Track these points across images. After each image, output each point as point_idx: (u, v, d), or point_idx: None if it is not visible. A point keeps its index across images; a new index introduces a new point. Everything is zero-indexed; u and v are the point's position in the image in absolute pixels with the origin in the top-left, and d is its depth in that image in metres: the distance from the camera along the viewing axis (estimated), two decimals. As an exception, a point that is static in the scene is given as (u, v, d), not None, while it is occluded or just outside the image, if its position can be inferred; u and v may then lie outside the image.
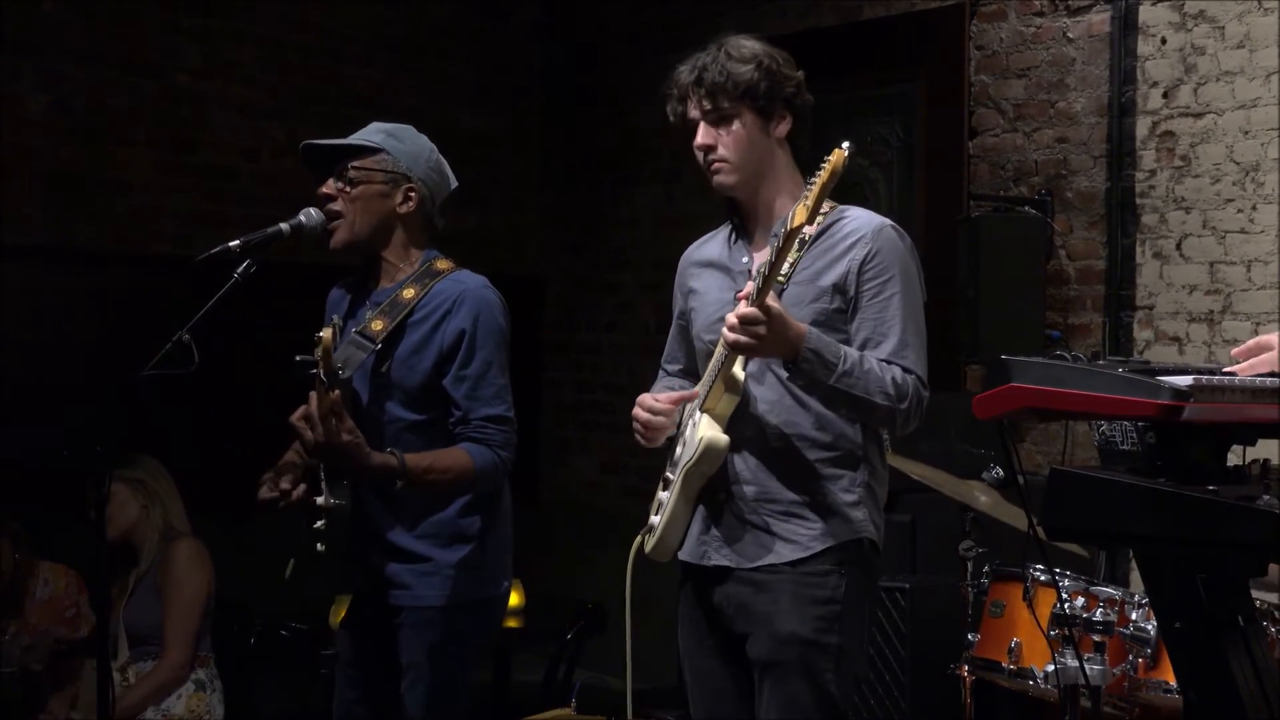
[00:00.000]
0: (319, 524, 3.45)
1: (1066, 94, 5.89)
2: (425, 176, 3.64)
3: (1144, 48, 5.64)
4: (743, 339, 3.06)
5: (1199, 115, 5.50)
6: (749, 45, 3.31)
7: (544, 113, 7.99)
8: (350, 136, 3.66)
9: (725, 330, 3.10)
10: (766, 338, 3.05)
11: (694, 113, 3.30)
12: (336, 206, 3.60)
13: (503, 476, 3.58)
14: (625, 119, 7.46)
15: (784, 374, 3.19)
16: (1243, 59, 5.38)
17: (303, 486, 3.50)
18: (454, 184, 3.73)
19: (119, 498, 4.84)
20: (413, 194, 3.62)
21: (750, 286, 3.12)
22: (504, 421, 3.55)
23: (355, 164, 3.59)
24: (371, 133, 3.65)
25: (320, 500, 3.44)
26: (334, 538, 3.47)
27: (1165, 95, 5.59)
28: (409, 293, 3.58)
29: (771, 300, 3.06)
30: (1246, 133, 5.36)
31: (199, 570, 4.97)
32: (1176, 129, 5.56)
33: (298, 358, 3.29)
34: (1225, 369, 2.71)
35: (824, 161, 2.99)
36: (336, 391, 3.33)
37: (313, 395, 3.33)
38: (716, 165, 3.31)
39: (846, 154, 2.99)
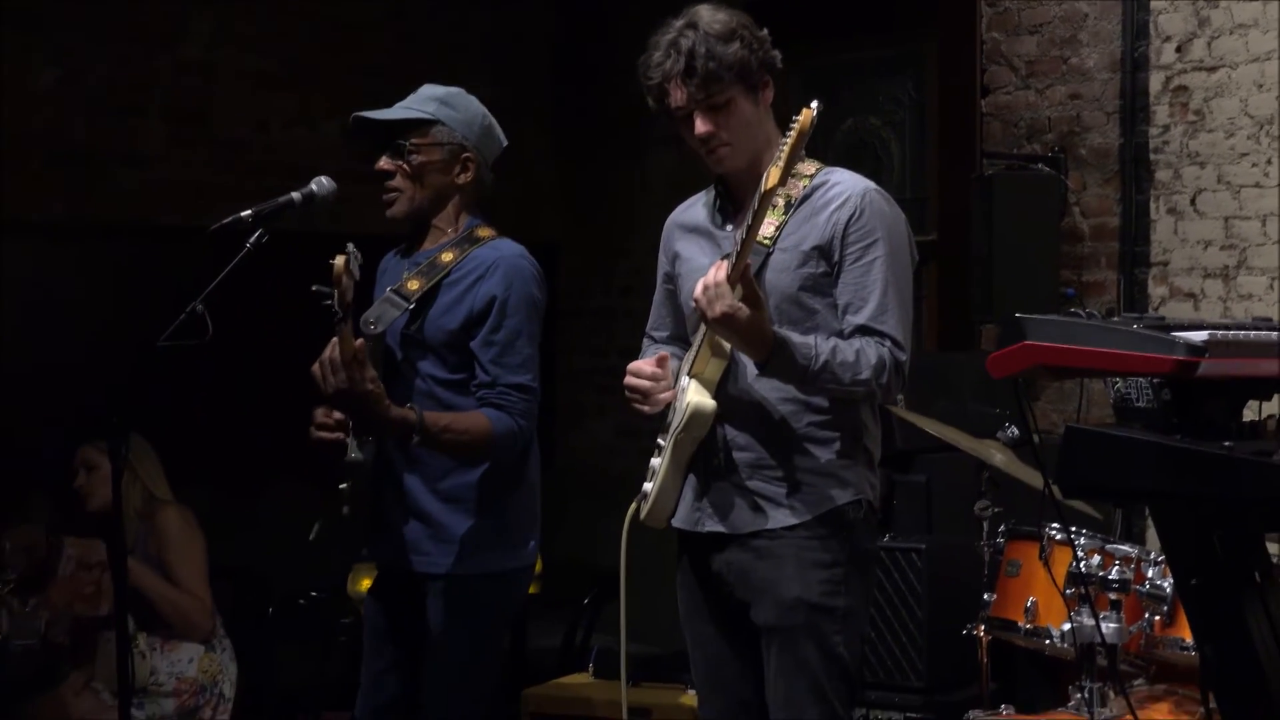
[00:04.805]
0: (343, 485, 3.46)
1: (1079, 50, 5.86)
2: (480, 144, 3.65)
3: (1157, 1, 5.61)
4: (708, 307, 3.03)
5: (1213, 69, 5.47)
6: (721, 18, 3.23)
7: (556, 78, 7.97)
8: (400, 105, 3.64)
9: (695, 295, 3.07)
10: (740, 319, 3.02)
11: (682, 100, 3.23)
12: (395, 183, 3.61)
13: (521, 444, 3.58)
14: (636, 84, 7.41)
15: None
16: (1256, 11, 5.34)
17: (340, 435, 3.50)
18: (504, 143, 3.74)
19: (102, 470, 4.87)
20: (470, 163, 3.64)
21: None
22: (527, 391, 3.55)
23: (413, 139, 3.58)
24: (424, 101, 3.63)
25: (347, 455, 3.45)
26: (357, 496, 3.48)
27: (1179, 50, 5.56)
28: (447, 256, 3.60)
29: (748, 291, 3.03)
30: (1261, 86, 5.33)
31: (193, 531, 4.99)
32: (1190, 83, 5.53)
33: (314, 288, 3.29)
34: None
35: (793, 122, 2.97)
36: (361, 340, 3.34)
37: (333, 342, 3.32)
38: (721, 151, 3.26)
39: (815, 113, 2.96)
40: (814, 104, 2.98)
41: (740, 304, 3.03)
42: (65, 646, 5.01)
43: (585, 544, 6.27)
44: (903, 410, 4.44)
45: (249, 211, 3.47)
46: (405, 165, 3.60)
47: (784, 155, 2.97)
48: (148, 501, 4.99)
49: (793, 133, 2.96)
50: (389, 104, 3.70)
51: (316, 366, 3.36)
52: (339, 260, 3.27)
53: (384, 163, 3.61)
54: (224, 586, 5.33)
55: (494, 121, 3.70)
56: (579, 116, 7.88)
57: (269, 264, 3.54)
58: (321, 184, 3.61)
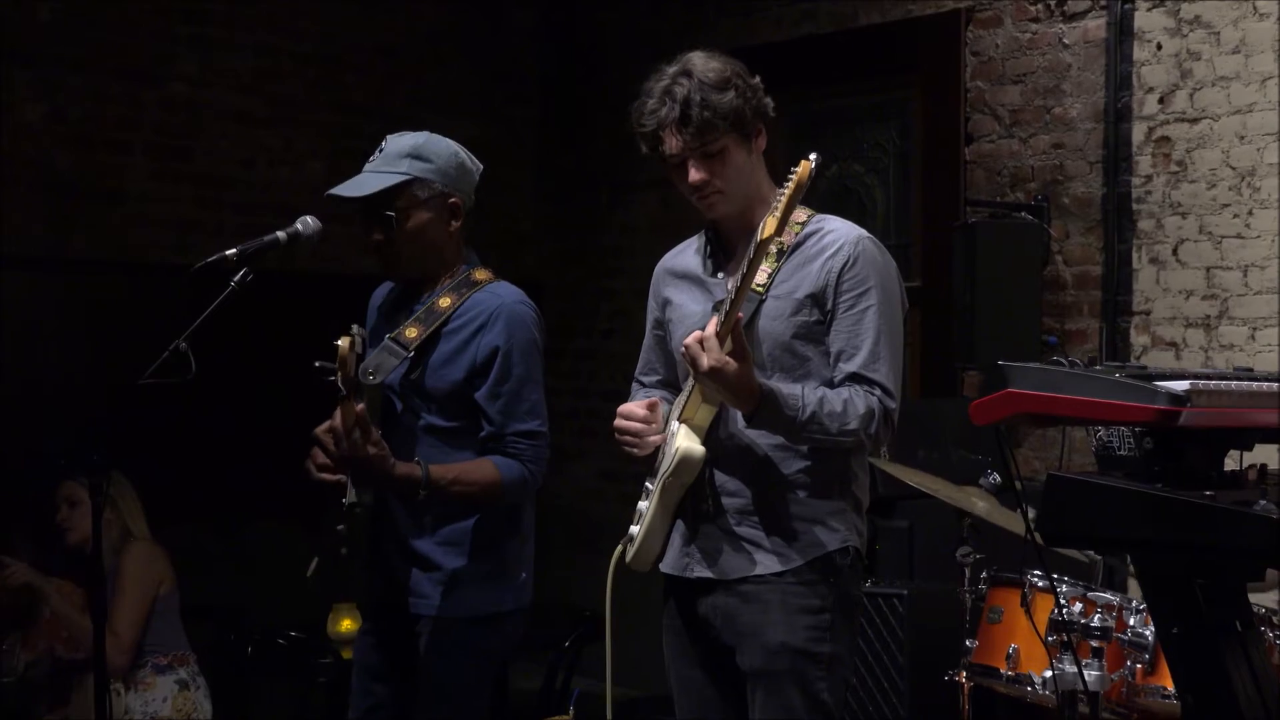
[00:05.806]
0: (341, 527, 3.45)
1: (1062, 100, 5.90)
2: (459, 183, 3.61)
3: (1140, 53, 5.65)
4: (696, 361, 3.03)
5: (1195, 120, 5.50)
6: (715, 66, 3.22)
7: (540, 120, 8.00)
8: (372, 169, 3.57)
9: (687, 342, 3.06)
10: (728, 373, 3.02)
11: (676, 148, 3.22)
12: (391, 249, 3.56)
13: (532, 490, 3.59)
14: (621, 126, 7.44)
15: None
16: (1238, 64, 5.38)
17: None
18: (479, 169, 3.68)
19: (84, 505, 4.85)
20: (458, 206, 3.60)
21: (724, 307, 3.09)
22: (537, 436, 3.56)
23: (398, 204, 3.52)
24: (395, 161, 3.55)
25: (345, 499, 3.43)
26: (355, 540, 3.47)
27: (1161, 101, 5.60)
28: (445, 301, 3.58)
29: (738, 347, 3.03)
30: (1243, 138, 5.37)
31: (149, 566, 4.97)
32: (1173, 134, 5.56)
33: (317, 364, 3.28)
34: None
35: (791, 173, 2.97)
36: (361, 405, 3.32)
37: (338, 411, 3.31)
38: (714, 198, 3.25)
39: (814, 165, 2.97)
40: (812, 156, 2.98)
41: (728, 358, 3.03)
42: (43, 688, 4.98)
43: (566, 586, 6.26)
44: (884, 462, 4.44)
45: (234, 250, 3.46)
46: (393, 230, 3.54)
47: (781, 205, 2.97)
48: (123, 537, 4.98)
49: (791, 183, 2.96)
50: (372, 142, 3.66)
51: (320, 432, 3.35)
52: (344, 342, 3.26)
53: (377, 235, 3.56)
54: (202, 624, 5.30)
55: (466, 154, 3.65)
56: (563, 157, 7.90)
57: (252, 302, 3.54)
58: (307, 224, 3.59)
